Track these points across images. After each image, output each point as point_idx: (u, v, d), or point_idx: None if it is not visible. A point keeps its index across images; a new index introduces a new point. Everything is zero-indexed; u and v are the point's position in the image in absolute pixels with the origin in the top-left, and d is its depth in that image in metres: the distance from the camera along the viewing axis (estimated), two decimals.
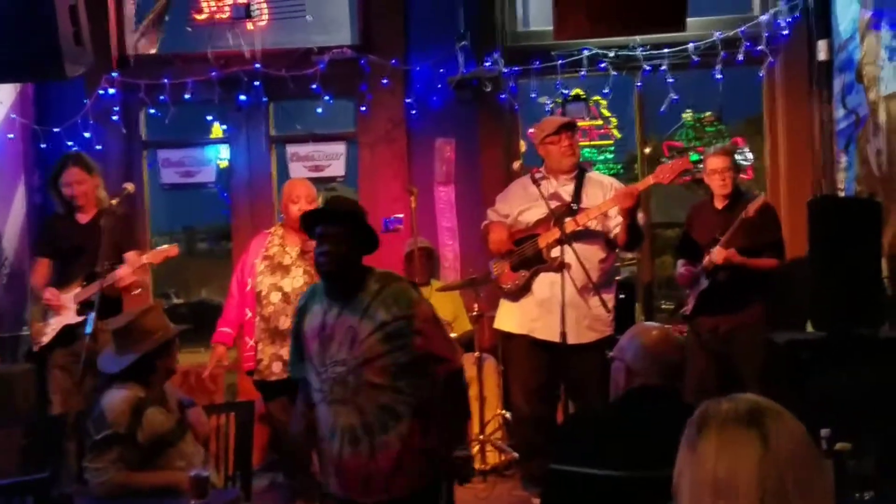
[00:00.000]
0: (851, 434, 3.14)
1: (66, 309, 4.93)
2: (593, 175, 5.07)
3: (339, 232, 3.17)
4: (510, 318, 4.94)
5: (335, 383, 3.15)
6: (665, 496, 1.53)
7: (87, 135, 6.41)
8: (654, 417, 2.59)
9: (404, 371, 3.16)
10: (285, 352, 4.66)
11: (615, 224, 4.73)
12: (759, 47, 6.18)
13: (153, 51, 6.83)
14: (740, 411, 1.38)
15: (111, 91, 6.48)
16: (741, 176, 6.15)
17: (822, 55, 6.10)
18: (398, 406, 3.14)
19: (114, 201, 4.97)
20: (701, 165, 5.35)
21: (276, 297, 4.75)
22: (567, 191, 4.83)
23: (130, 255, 4.94)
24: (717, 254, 4.98)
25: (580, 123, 6.73)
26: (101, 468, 3.36)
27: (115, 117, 6.53)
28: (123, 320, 3.63)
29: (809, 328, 5.01)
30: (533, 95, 6.55)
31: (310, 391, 3.31)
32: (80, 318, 4.81)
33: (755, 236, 5.01)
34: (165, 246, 5.05)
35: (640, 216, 4.74)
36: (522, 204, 4.92)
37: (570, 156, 4.85)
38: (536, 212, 4.84)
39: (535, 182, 4.74)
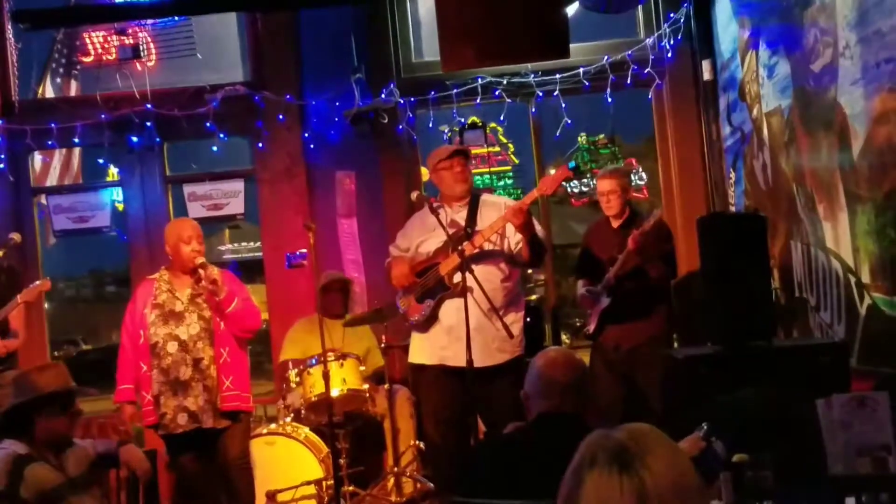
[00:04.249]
0: (748, 445, 3.21)
1: None
2: (488, 197, 5.10)
3: None
4: (421, 349, 4.91)
5: None
6: None
7: None
8: (548, 444, 2.61)
9: None
10: (190, 402, 4.58)
11: (515, 242, 4.76)
12: (647, 70, 6.36)
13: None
14: (611, 453, 1.37)
15: None
16: (636, 195, 6.31)
17: (706, 75, 6.31)
18: None
19: None
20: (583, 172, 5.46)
21: (172, 347, 4.61)
22: (462, 216, 4.86)
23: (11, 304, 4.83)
24: (631, 240, 5.05)
25: (478, 151, 6.80)
26: None
27: (1, 165, 6.32)
28: (18, 372, 3.56)
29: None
30: (431, 125, 6.61)
31: None
32: None
33: (648, 249, 5.14)
34: (37, 282, 4.99)
35: (539, 229, 4.78)
36: (421, 235, 4.92)
37: (461, 181, 4.86)
38: (435, 241, 4.84)
39: (433, 211, 4.75)
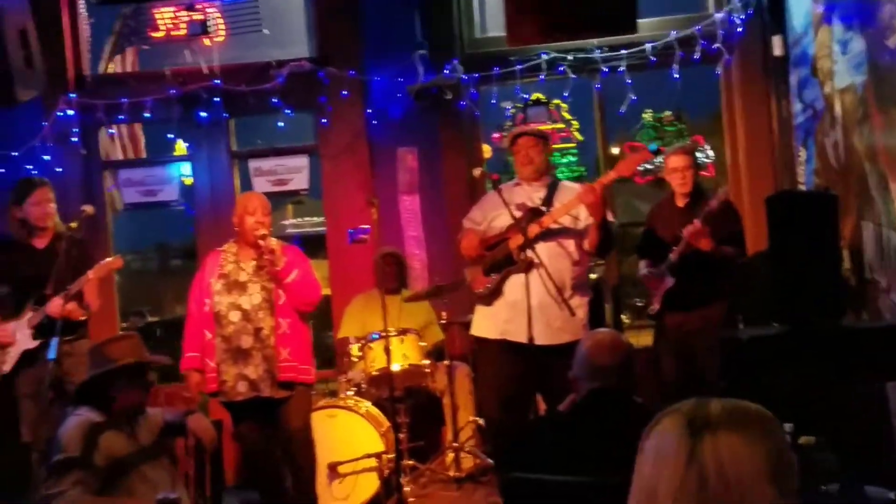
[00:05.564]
0: (815, 427, 3.17)
1: (16, 341, 4.92)
2: (566, 183, 5.10)
3: None
4: (484, 322, 4.92)
5: None
6: (618, 501, 1.52)
7: (46, 158, 6.35)
8: (597, 422, 2.63)
9: None
10: (250, 371, 4.64)
11: (586, 226, 4.73)
12: (715, 45, 6.22)
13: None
14: (692, 414, 1.35)
15: (69, 112, 6.43)
16: (702, 173, 6.20)
17: (777, 50, 6.14)
18: None
19: (73, 224, 4.93)
20: (661, 158, 5.39)
21: (235, 316, 4.69)
22: (539, 196, 4.85)
23: (83, 279, 4.92)
24: (702, 242, 4.98)
25: (542, 128, 6.75)
26: (61, 492, 3.33)
27: (74, 139, 6.48)
28: (93, 343, 3.65)
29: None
30: (493, 101, 6.57)
31: None
32: (37, 343, 4.80)
33: (717, 229, 5.05)
34: (109, 259, 5.07)
35: (611, 217, 4.73)
36: (494, 210, 4.92)
37: (525, 164, 4.85)
38: (508, 217, 4.84)
39: (497, 189, 4.79)
